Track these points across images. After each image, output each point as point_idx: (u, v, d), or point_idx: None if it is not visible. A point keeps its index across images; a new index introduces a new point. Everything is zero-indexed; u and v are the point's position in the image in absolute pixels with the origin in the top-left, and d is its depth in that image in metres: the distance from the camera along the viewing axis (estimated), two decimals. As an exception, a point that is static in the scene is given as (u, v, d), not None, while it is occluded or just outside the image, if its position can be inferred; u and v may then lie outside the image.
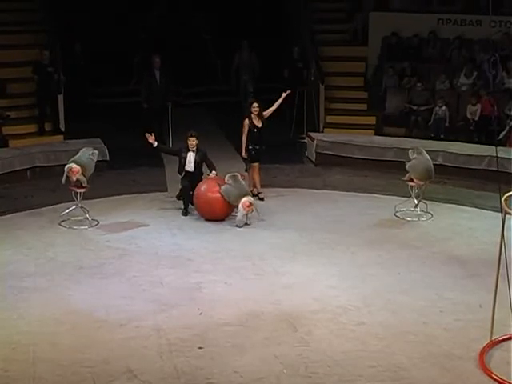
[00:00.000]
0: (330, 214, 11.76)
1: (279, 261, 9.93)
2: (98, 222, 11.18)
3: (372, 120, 15.17)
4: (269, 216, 11.61)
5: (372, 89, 15.68)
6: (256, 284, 9.25)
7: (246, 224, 11.20)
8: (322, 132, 15.16)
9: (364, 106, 15.54)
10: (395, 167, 12.78)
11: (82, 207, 11.17)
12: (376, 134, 14.88)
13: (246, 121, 12.19)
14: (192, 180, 11.49)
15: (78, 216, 11.18)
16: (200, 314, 8.44)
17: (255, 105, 12.21)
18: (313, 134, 14.84)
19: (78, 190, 11.14)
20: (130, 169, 13.68)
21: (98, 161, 11.56)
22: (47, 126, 14.43)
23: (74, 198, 11.15)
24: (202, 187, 11.37)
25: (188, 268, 9.69)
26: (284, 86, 15.12)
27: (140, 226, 11.15)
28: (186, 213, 11.53)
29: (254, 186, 12.30)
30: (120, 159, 13.81)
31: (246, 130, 12.19)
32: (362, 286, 9.17)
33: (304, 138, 15.13)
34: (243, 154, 12.32)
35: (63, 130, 14.52)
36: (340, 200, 12.44)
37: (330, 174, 13.78)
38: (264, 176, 12.71)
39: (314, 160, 14.45)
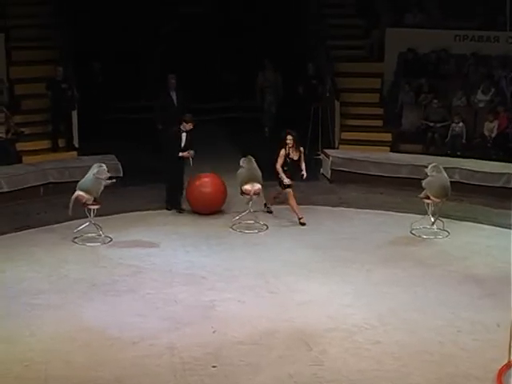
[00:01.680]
0: (344, 231, 11.77)
1: (293, 278, 9.94)
2: (112, 239, 11.25)
3: (388, 137, 15.15)
4: (282, 233, 11.64)
5: (388, 105, 15.68)
6: (270, 302, 9.27)
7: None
8: (337, 148, 15.14)
9: (380, 123, 15.53)
10: (411, 184, 12.74)
11: (95, 224, 11.23)
12: (392, 150, 14.84)
13: (283, 151, 11.95)
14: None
15: (91, 233, 11.25)
16: (214, 332, 8.46)
17: (289, 137, 11.91)
18: (328, 151, 14.83)
19: (92, 207, 11.20)
20: (144, 185, 13.71)
21: (112, 177, 11.55)
22: (61, 143, 14.49)
23: (87, 214, 11.21)
24: (196, 183, 12.15)
25: (202, 286, 9.72)
26: (299, 102, 15.11)
27: (153, 243, 11.19)
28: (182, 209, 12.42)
29: (295, 212, 12.02)
30: (134, 175, 13.86)
31: (281, 161, 11.94)
32: (378, 305, 9.16)
33: (319, 155, 15.11)
34: (285, 181, 11.89)
35: (77, 146, 14.61)
36: (355, 217, 12.45)
37: (345, 191, 13.78)
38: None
39: (328, 177, 14.45)
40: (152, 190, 13.49)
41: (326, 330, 8.51)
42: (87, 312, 8.92)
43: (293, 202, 12.07)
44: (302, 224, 11.93)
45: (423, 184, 11.64)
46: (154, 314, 8.88)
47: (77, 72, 15.14)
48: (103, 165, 11.48)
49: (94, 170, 11.33)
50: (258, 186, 11.74)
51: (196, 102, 17.27)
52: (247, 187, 11.70)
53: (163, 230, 11.69)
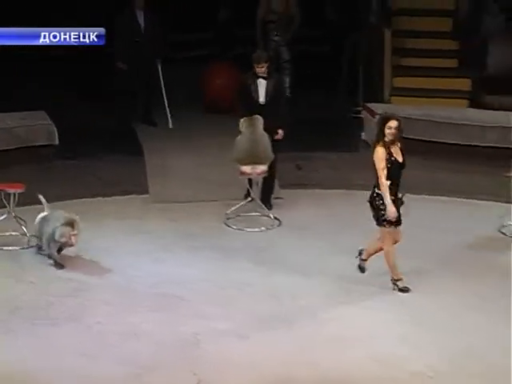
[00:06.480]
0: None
1: (321, 301, 9.98)
2: (42, 240, 11.29)
3: (465, 84, 15.25)
4: (305, 231, 11.67)
5: (466, 36, 15.68)
6: (285, 336, 9.29)
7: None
8: (388, 102, 15.18)
9: (453, 63, 15.59)
10: (501, 157, 12.76)
11: (15, 217, 11.27)
12: (471, 105, 14.95)
13: (381, 150, 10.11)
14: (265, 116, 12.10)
15: (9, 231, 11.30)
16: (198, 383, 8.48)
17: (393, 124, 10.07)
18: (373, 106, 14.86)
19: (11, 191, 11.20)
20: (92, 158, 13.73)
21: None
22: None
23: (5, 202, 11.23)
24: None
25: (179, 311, 9.76)
26: (330, 32, 15.04)
27: (106, 245, 11.23)
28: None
29: (390, 270, 10.47)
30: (76, 143, 13.86)
31: (383, 169, 10.06)
32: (450, 342, 9.18)
33: (360, 112, 15.15)
34: (391, 212, 10.14)
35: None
36: (416, 208, 12.33)
37: (399, 168, 13.83)
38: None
39: (374, 145, 14.50)
40: (104, 166, 13.51)
41: (370, 378, 8.53)
42: (5, 351, 8.93)
43: (391, 250, 10.40)
44: (402, 290, 10.34)
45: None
46: (106, 355, 8.90)
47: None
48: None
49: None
50: (261, 168, 11.84)
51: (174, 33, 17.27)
52: (245, 169, 11.82)
53: (121, 226, 11.78)
